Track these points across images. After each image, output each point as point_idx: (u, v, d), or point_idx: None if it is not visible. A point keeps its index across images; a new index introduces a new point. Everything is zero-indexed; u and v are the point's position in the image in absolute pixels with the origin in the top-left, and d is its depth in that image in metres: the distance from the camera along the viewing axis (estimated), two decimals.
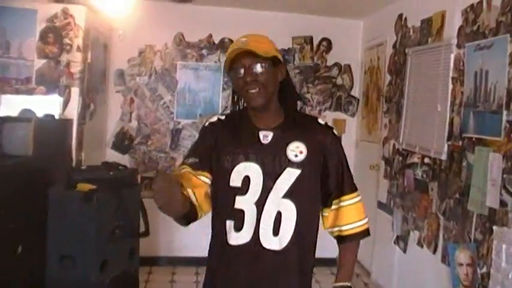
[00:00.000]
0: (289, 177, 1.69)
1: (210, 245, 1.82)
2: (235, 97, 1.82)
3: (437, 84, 3.43)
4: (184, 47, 4.94)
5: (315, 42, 5.12)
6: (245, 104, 1.78)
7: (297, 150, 1.71)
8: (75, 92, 3.75)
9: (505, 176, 2.62)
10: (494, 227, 2.66)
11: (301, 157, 1.71)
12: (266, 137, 1.72)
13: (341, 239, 1.82)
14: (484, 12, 2.93)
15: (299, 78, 5.10)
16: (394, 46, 4.25)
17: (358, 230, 1.80)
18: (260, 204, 1.68)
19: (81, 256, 2.98)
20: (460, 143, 3.10)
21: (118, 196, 3.15)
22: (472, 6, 3.05)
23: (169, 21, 4.83)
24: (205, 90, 4.99)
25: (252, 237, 1.68)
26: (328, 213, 1.80)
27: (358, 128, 5.13)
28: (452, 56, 3.24)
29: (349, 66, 5.18)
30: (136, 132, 4.94)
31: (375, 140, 4.62)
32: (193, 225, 4.90)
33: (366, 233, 1.83)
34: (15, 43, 3.70)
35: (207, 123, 1.83)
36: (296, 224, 1.70)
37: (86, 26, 3.79)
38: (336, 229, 1.81)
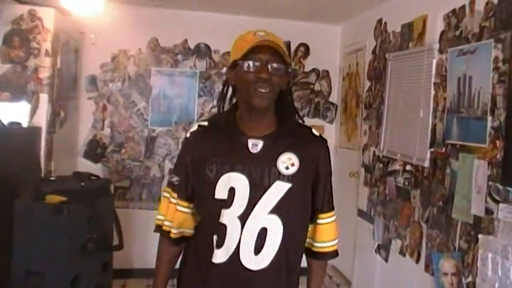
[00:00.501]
0: (278, 191, 1.55)
1: (182, 260, 1.72)
2: (226, 93, 1.68)
3: (419, 89, 3.37)
4: (158, 52, 4.80)
5: (293, 48, 5.03)
6: (235, 103, 1.65)
7: (288, 162, 1.57)
8: (43, 98, 3.58)
9: (490, 183, 2.57)
10: (480, 236, 2.60)
11: (292, 170, 1.57)
12: (255, 145, 1.57)
13: (310, 253, 1.73)
14: (466, 17, 2.88)
15: None
16: (374, 51, 4.20)
17: (329, 249, 1.72)
18: (244, 218, 1.54)
19: (51, 272, 2.82)
20: (444, 149, 3.03)
21: (90, 208, 3.00)
22: (454, 10, 3.00)
23: (143, 26, 4.68)
24: (180, 97, 4.85)
25: (232, 254, 1.54)
26: (310, 228, 1.72)
27: (337, 135, 5.05)
28: (434, 61, 3.18)
29: (327, 72, 5.12)
30: (109, 140, 4.77)
31: (354, 147, 4.55)
32: None
33: (335, 253, 1.75)
34: None
35: (188, 134, 1.68)
36: (282, 242, 1.56)
37: (55, 29, 3.62)
38: (308, 241, 1.72)
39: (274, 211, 1.55)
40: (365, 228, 4.14)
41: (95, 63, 4.67)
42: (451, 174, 2.94)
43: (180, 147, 4.77)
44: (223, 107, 1.69)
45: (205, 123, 1.68)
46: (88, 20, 4.08)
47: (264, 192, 1.55)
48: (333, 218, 1.72)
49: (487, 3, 2.68)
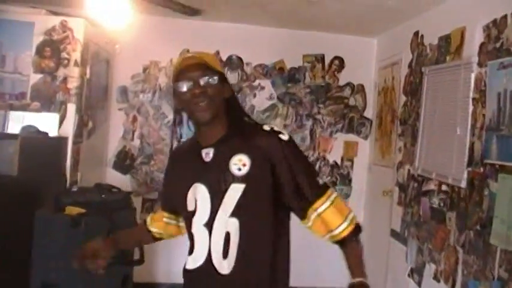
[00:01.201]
0: (234, 193, 1.59)
1: None
2: (179, 116, 1.78)
3: (457, 105, 3.18)
4: None
5: (327, 61, 4.91)
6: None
7: (239, 164, 1.60)
8: (71, 108, 3.57)
9: None
10: None
11: (244, 170, 1.59)
12: (208, 154, 1.66)
13: (338, 243, 1.65)
14: (508, 27, 2.69)
15: (310, 98, 4.89)
16: (410, 65, 4.02)
17: (349, 230, 1.62)
18: (209, 225, 1.62)
19: (67, 285, 2.75)
20: (482, 169, 2.83)
21: (109, 220, 2.93)
22: (494, 21, 2.82)
23: (175, 37, 4.66)
24: None
25: (205, 260, 1.63)
26: (311, 223, 1.63)
27: (371, 151, 4.88)
28: (472, 76, 2.99)
29: (362, 86, 4.96)
30: (138, 152, 4.74)
31: (388, 165, 4.36)
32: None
33: (358, 229, 1.64)
34: (11, 56, 3.56)
35: (170, 154, 1.92)
36: (239, 244, 1.59)
37: (85, 40, 3.62)
38: (328, 235, 1.64)
39: (233, 214, 1.59)
40: (398, 250, 3.94)
41: (126, 74, 4.67)
42: (490, 196, 2.73)
43: None
44: (176, 132, 1.97)
45: (182, 143, 1.91)
46: (119, 31, 4.07)
47: (223, 197, 1.60)
48: (332, 197, 1.63)
49: None
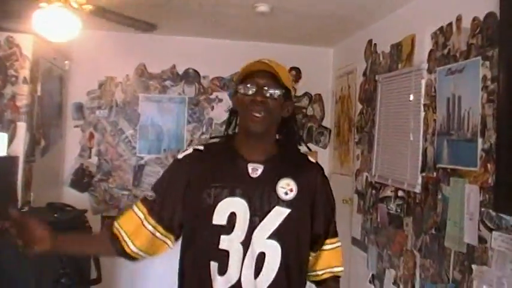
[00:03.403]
0: (277, 216, 1.54)
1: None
2: (232, 118, 1.68)
3: (409, 112, 3.23)
4: (146, 78, 4.71)
5: None
6: (236, 130, 1.66)
7: (287, 188, 1.56)
8: (21, 127, 3.44)
9: (482, 209, 2.40)
10: (474, 266, 2.44)
11: (291, 195, 1.56)
12: (255, 170, 1.57)
13: (320, 283, 1.72)
14: (454, 34, 2.76)
15: None
16: (365, 73, 4.08)
17: (338, 274, 1.72)
18: (246, 244, 1.52)
19: None
20: (435, 174, 2.88)
21: None
22: (441, 28, 2.88)
23: (131, 52, 4.61)
24: (169, 124, 4.73)
25: (237, 280, 1.51)
26: (315, 256, 1.69)
27: (330, 160, 4.90)
28: (423, 82, 3.05)
29: (319, 95, 5.00)
30: (96, 169, 4.64)
31: (347, 173, 4.39)
32: (155, 270, 4.54)
33: (338, 280, 1.74)
34: None
35: (180, 156, 1.66)
36: (280, 268, 1.53)
37: (34, 56, 3.52)
38: (313, 273, 1.69)
39: (272, 236, 1.53)
40: (359, 257, 3.96)
41: (81, 91, 4.59)
42: (443, 200, 2.77)
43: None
44: (227, 133, 1.69)
45: (201, 148, 1.67)
46: (72, 46, 4.00)
47: (264, 218, 1.53)
48: (339, 244, 1.72)
49: (473, 20, 2.56)
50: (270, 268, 1.53)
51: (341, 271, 1.72)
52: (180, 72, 4.75)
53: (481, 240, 2.39)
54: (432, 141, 2.93)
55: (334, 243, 1.70)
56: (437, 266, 2.78)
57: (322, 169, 1.70)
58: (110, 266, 3.96)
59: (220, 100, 4.80)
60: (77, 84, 4.55)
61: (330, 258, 1.69)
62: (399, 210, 3.30)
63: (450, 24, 2.79)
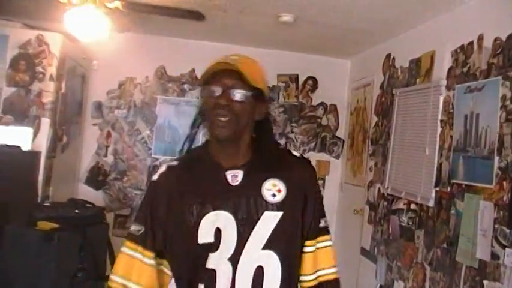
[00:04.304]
0: (268, 222, 1.38)
1: None
2: (197, 121, 1.49)
3: (426, 127, 3.28)
4: (165, 80, 4.80)
5: (301, 81, 5.00)
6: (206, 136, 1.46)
7: (274, 189, 1.41)
8: (45, 123, 3.54)
9: (496, 226, 2.45)
10: (485, 282, 2.48)
11: (280, 196, 1.40)
12: (235, 177, 1.40)
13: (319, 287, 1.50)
14: (474, 53, 2.81)
15: (283, 117, 4.96)
16: (382, 87, 4.14)
17: (334, 276, 1.51)
18: (235, 260, 1.37)
19: None
20: (449, 189, 2.93)
21: (83, 236, 2.92)
22: (462, 47, 2.94)
23: (151, 54, 4.70)
24: (185, 126, 4.77)
25: None
26: (303, 257, 1.49)
27: (342, 170, 4.95)
28: (441, 98, 3.11)
29: (334, 106, 5.06)
30: (111, 168, 4.72)
31: (359, 184, 4.44)
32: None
33: (338, 282, 1.52)
34: None
35: (155, 177, 1.48)
36: (281, 281, 1.39)
37: (61, 55, 3.62)
38: (314, 276, 1.49)
39: (268, 246, 1.38)
40: (368, 268, 4.00)
41: (102, 90, 4.68)
42: (456, 215, 2.82)
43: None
44: (191, 141, 1.50)
45: (175, 163, 1.49)
46: (96, 46, 4.09)
47: (253, 227, 1.37)
48: (330, 242, 1.52)
49: (495, 40, 2.62)
50: (271, 283, 1.39)
51: (337, 271, 1.52)
52: (199, 77, 4.81)
53: (494, 256, 2.44)
54: (448, 156, 2.98)
55: (328, 239, 1.52)
56: (448, 280, 2.83)
57: (309, 161, 1.55)
58: None
59: None
60: (98, 84, 4.64)
61: (327, 257, 1.51)
62: (411, 223, 3.35)
63: (471, 43, 2.85)
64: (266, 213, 1.39)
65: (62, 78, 3.73)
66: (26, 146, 3.43)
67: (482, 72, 2.71)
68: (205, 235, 1.37)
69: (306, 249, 1.48)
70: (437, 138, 3.12)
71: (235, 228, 1.37)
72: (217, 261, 1.37)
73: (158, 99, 4.78)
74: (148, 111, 4.76)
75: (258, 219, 1.38)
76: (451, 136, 2.96)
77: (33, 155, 3.42)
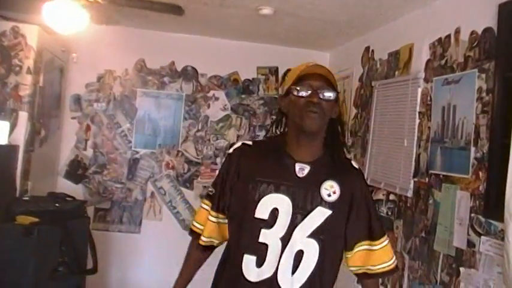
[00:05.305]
0: (318, 216, 1.63)
1: (218, 271, 1.75)
2: (280, 119, 1.75)
3: (404, 118, 3.33)
4: (145, 73, 4.77)
5: (280, 73, 5.01)
6: (286, 129, 1.72)
7: (330, 190, 1.65)
8: (23, 116, 3.48)
9: (472, 215, 2.51)
10: (461, 269, 2.54)
11: (334, 197, 1.65)
12: (302, 170, 1.65)
13: (366, 276, 1.77)
14: (452, 46, 2.86)
15: (263, 109, 4.98)
16: (361, 79, 4.18)
17: (388, 268, 1.76)
18: (286, 240, 1.61)
19: None
20: (427, 179, 2.98)
21: (63, 230, 2.90)
22: (440, 40, 2.99)
23: (130, 47, 4.66)
24: (165, 119, 4.79)
25: (271, 274, 1.60)
26: (351, 255, 1.74)
27: None
28: (419, 90, 3.16)
29: None
30: (91, 161, 4.69)
31: None
32: (147, 261, 4.63)
33: (395, 269, 1.80)
34: None
35: (231, 150, 1.78)
36: (316, 266, 1.63)
37: (39, 47, 3.56)
38: (363, 269, 1.75)
39: (313, 235, 1.61)
40: None
41: (80, 83, 4.63)
42: (434, 205, 2.88)
43: (162, 169, 4.63)
44: (274, 133, 1.76)
45: (250, 143, 1.78)
46: (74, 39, 4.04)
47: (306, 216, 1.61)
48: (386, 242, 1.77)
49: (471, 33, 2.67)
50: (307, 266, 1.62)
51: (394, 261, 1.79)
52: (179, 69, 4.81)
53: (470, 244, 2.50)
54: (426, 147, 3.03)
55: (383, 241, 1.75)
56: (426, 267, 2.89)
57: (363, 175, 1.81)
58: (105, 257, 4.01)
59: (217, 98, 4.87)
60: (76, 77, 4.59)
61: (381, 256, 1.74)
62: (390, 213, 3.41)
63: (448, 36, 2.90)
64: (319, 208, 1.63)
65: (40, 71, 3.67)
66: (2, 140, 3.37)
67: (459, 65, 2.76)
68: (262, 211, 1.62)
69: (357, 248, 1.72)
70: (416, 130, 3.17)
71: (290, 213, 1.61)
72: (270, 237, 1.61)
73: (138, 92, 4.75)
74: (128, 104, 4.73)
75: (312, 210, 1.62)
76: (429, 127, 3.01)
77: (11, 149, 3.38)
